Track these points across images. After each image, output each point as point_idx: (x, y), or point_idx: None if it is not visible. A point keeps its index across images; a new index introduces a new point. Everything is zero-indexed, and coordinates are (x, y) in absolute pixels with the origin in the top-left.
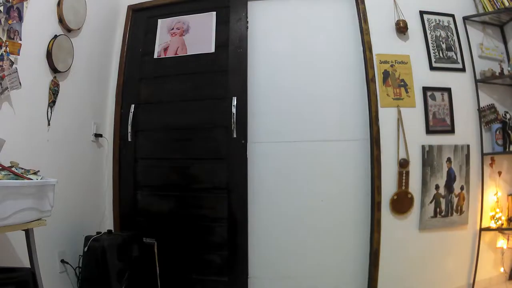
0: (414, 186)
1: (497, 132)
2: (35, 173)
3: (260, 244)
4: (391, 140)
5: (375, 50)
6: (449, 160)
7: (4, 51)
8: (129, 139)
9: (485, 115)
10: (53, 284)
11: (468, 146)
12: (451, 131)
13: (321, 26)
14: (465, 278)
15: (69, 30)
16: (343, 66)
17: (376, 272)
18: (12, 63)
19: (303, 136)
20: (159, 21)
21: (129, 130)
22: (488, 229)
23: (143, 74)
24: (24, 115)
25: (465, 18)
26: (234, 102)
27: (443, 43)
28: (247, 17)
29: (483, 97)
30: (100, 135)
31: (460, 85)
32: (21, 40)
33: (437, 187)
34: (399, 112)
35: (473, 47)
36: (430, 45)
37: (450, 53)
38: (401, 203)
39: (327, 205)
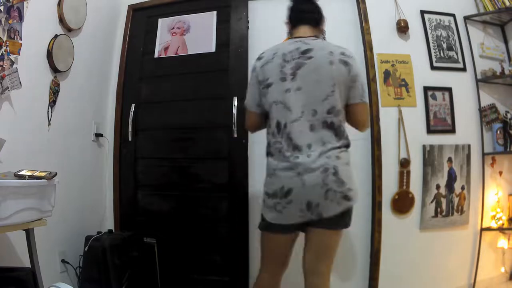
0: (415, 185)
1: (498, 132)
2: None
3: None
4: (392, 140)
5: (376, 50)
6: (450, 159)
7: (4, 51)
8: (130, 139)
9: (486, 115)
10: (53, 284)
11: (469, 145)
12: (452, 130)
13: None
14: (466, 278)
15: (69, 29)
16: None
17: (377, 271)
18: (12, 62)
19: None
20: (160, 20)
21: (130, 129)
22: (489, 229)
23: (143, 73)
24: (24, 115)
25: (466, 18)
26: (235, 102)
27: (444, 42)
28: (247, 17)
29: (484, 96)
30: (101, 135)
31: (461, 84)
32: (21, 39)
33: (438, 186)
34: (400, 112)
35: (474, 46)
36: (431, 44)
37: (451, 53)
38: (402, 203)
39: None
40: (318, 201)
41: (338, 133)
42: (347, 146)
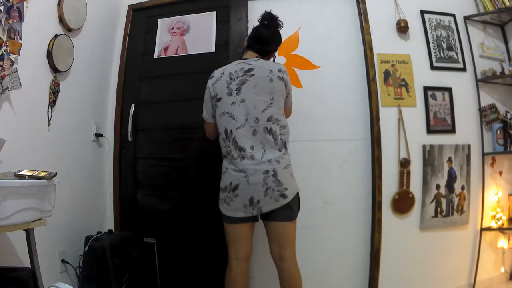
0: (415, 185)
1: (498, 132)
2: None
3: (260, 245)
4: (392, 140)
5: (376, 50)
6: (450, 159)
7: (4, 51)
8: (130, 139)
9: (486, 115)
10: (53, 284)
11: (469, 145)
12: (452, 130)
13: (322, 25)
14: (466, 278)
15: (69, 29)
16: (343, 65)
17: (377, 271)
18: (12, 62)
19: (304, 135)
20: (160, 20)
21: (130, 129)
22: (489, 229)
23: (143, 73)
24: (24, 115)
25: (466, 18)
26: None
27: (444, 42)
28: (247, 17)
29: (484, 96)
30: (101, 135)
31: (461, 84)
32: (21, 39)
33: (438, 186)
34: (400, 112)
35: (474, 46)
36: (431, 44)
37: (451, 53)
38: (402, 203)
39: (328, 205)
40: (259, 197)
41: (276, 138)
42: (284, 151)
